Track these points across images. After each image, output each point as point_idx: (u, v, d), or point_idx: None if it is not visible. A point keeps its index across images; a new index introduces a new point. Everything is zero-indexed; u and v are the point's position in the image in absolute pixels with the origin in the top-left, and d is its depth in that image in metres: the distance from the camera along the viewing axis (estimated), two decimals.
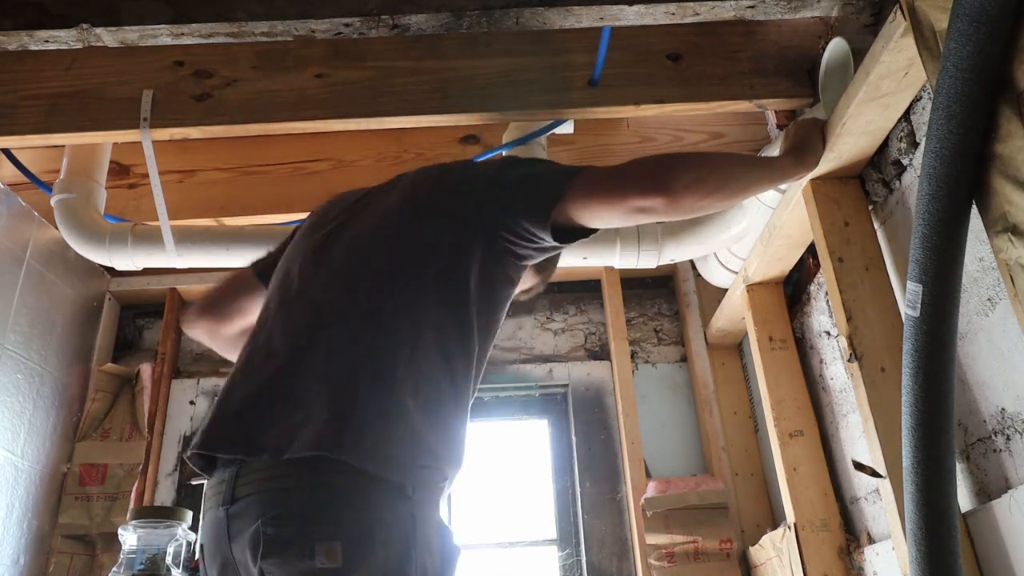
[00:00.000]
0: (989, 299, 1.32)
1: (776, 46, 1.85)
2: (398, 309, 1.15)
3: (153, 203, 1.91)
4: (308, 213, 1.46)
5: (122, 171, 2.26)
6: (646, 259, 2.06)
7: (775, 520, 2.26)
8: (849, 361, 1.53)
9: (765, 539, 2.05)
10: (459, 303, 1.17)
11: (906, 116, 1.51)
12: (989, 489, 1.34)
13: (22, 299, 2.14)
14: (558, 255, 1.45)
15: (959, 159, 1.06)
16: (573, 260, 2.07)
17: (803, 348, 2.09)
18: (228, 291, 1.45)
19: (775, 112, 1.98)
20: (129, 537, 1.78)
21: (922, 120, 1.47)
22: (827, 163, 1.63)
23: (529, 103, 1.81)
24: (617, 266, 2.10)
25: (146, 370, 2.49)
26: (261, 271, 1.42)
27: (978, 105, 1.03)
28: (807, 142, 1.56)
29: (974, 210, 1.09)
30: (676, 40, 1.86)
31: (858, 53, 1.47)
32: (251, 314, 1.39)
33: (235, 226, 2.13)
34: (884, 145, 1.59)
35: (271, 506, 1.01)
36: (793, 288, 2.15)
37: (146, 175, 1.89)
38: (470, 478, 2.58)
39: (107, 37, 1.46)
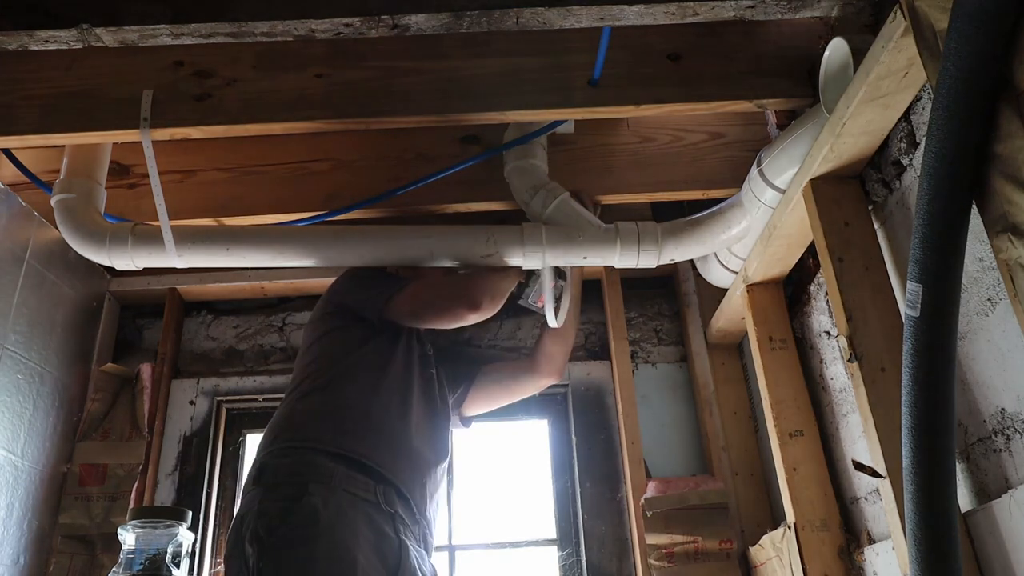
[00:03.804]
0: (989, 299, 1.32)
1: (776, 46, 1.85)
2: None
3: (153, 203, 1.91)
4: None
5: (122, 171, 2.26)
6: (646, 259, 2.06)
7: (775, 520, 2.25)
8: (849, 361, 1.53)
9: (765, 539, 2.05)
10: None
11: (906, 116, 1.51)
12: (989, 489, 1.34)
13: (22, 299, 2.14)
14: None
15: (959, 159, 1.06)
16: (573, 260, 2.06)
17: (803, 348, 2.09)
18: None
19: (775, 112, 1.98)
20: (129, 537, 1.78)
21: (922, 120, 1.47)
22: (827, 163, 1.63)
23: (529, 103, 1.80)
24: (617, 266, 2.10)
25: (146, 370, 2.49)
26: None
27: (978, 105, 1.03)
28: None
29: (974, 210, 1.09)
30: (676, 40, 1.86)
31: (858, 53, 1.47)
32: None
33: (235, 226, 2.12)
34: (884, 145, 1.59)
35: None
36: (793, 288, 2.15)
37: (146, 175, 1.89)
38: (470, 478, 2.58)
39: (107, 37, 1.46)
